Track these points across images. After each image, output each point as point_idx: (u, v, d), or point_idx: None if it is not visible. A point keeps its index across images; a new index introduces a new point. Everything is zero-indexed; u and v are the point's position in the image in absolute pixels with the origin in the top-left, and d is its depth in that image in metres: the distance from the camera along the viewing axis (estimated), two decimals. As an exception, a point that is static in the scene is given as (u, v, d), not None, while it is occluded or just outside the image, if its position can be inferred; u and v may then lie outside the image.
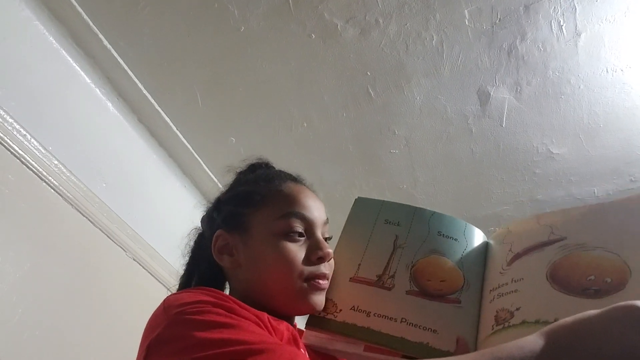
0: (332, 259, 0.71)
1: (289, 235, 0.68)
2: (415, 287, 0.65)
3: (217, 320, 0.52)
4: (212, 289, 0.60)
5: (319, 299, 0.67)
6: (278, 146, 1.77)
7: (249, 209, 0.72)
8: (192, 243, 0.81)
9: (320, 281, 0.68)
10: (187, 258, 0.80)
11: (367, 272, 0.69)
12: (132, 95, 1.57)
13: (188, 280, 0.78)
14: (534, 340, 0.41)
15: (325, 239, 0.73)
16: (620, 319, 0.39)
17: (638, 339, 0.38)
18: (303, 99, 1.60)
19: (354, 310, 0.65)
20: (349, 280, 0.69)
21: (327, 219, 0.75)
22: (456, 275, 0.65)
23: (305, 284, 0.67)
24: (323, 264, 0.69)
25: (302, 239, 0.69)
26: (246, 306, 0.58)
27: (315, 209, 0.72)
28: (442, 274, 0.66)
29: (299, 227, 0.69)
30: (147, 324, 0.58)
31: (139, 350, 0.57)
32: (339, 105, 1.61)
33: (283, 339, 0.59)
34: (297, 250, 0.68)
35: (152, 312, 0.59)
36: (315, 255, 0.68)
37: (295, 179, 0.77)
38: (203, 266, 0.76)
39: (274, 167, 0.81)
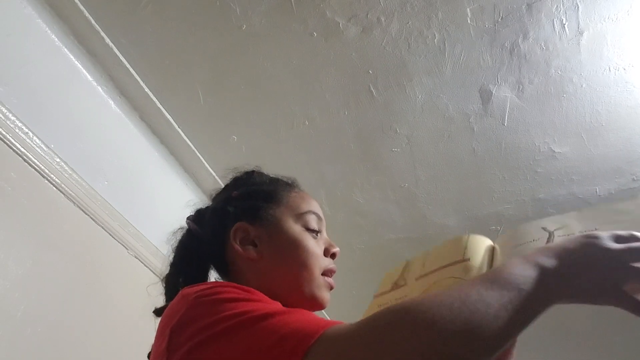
0: None
1: (310, 231, 0.75)
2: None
3: (234, 296, 0.54)
4: (224, 281, 0.64)
5: (328, 296, 0.74)
6: (279, 144, 1.77)
7: (272, 204, 0.76)
8: (183, 242, 0.80)
9: (332, 279, 0.75)
10: (177, 256, 0.79)
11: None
12: (134, 93, 1.57)
13: (177, 278, 0.76)
14: (525, 270, 0.48)
15: None
16: (582, 240, 0.51)
17: (593, 252, 0.50)
18: (305, 97, 1.60)
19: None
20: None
21: None
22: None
23: (322, 278, 0.73)
24: (333, 262, 0.77)
25: (318, 236, 0.76)
26: (259, 292, 0.60)
27: (322, 213, 0.80)
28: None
29: (316, 225, 0.76)
30: (165, 315, 0.59)
31: (159, 340, 0.57)
32: (341, 103, 1.61)
33: None
34: (317, 246, 0.75)
35: (169, 305, 0.61)
36: (330, 251, 0.76)
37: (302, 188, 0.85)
38: (203, 262, 0.77)
39: (292, 178, 0.88)
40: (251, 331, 0.48)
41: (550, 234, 0.62)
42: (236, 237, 0.73)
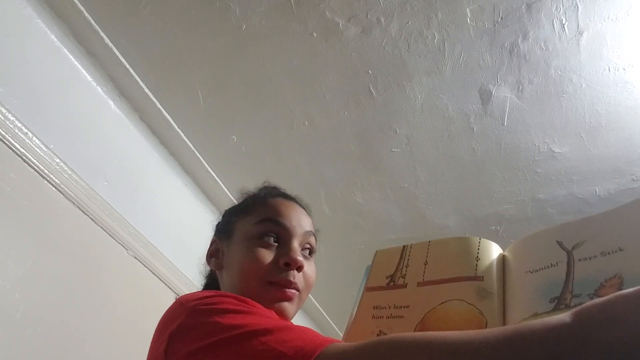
0: (308, 276, 0.72)
1: (262, 239, 0.71)
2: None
3: (235, 307, 0.55)
4: (223, 292, 0.64)
5: (284, 307, 0.67)
6: (279, 144, 1.77)
7: (237, 217, 0.77)
8: None
9: (286, 289, 0.68)
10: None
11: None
12: (134, 94, 1.57)
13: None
14: (560, 318, 0.39)
15: (308, 251, 0.74)
16: None
17: None
18: (304, 98, 1.60)
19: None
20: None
21: (312, 232, 0.76)
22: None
23: (268, 287, 0.68)
24: (291, 271, 0.69)
25: (276, 244, 0.71)
26: (255, 302, 0.60)
27: (296, 219, 0.74)
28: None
29: (273, 233, 0.71)
30: (161, 320, 0.61)
31: (154, 345, 0.59)
32: (341, 103, 1.61)
33: None
34: (266, 254, 0.69)
35: (166, 311, 0.62)
36: (282, 260, 0.69)
37: (287, 196, 0.80)
38: (211, 274, 0.83)
39: (277, 189, 0.83)
40: (249, 345, 0.48)
41: (569, 254, 0.53)
42: (208, 251, 0.78)
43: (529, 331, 0.39)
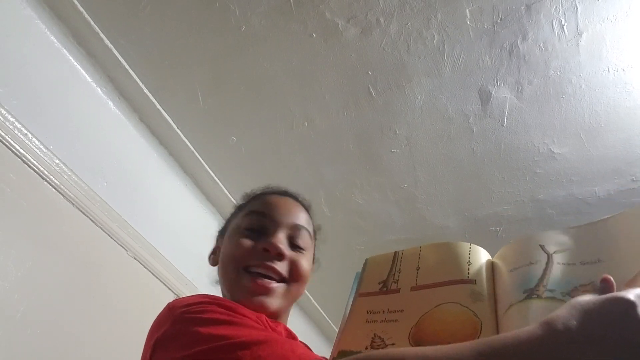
0: (296, 267, 0.70)
1: (247, 230, 0.71)
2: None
3: (219, 317, 0.55)
4: (212, 295, 0.63)
5: (261, 301, 0.65)
6: (279, 145, 1.77)
7: (233, 215, 0.79)
8: None
9: (260, 279, 0.66)
10: None
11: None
12: (133, 95, 1.57)
13: None
14: (531, 330, 0.40)
15: (297, 247, 0.72)
16: (612, 311, 0.38)
17: (626, 331, 0.37)
18: (304, 98, 1.60)
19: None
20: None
21: (304, 227, 0.74)
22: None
23: (243, 273, 0.67)
24: (270, 257, 0.68)
25: (256, 234, 0.71)
26: (244, 307, 0.60)
27: (285, 213, 0.73)
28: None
29: (259, 224, 0.71)
30: (152, 325, 0.61)
31: (145, 349, 0.60)
32: (340, 104, 1.62)
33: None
34: (247, 241, 0.69)
35: (157, 315, 0.62)
36: (261, 245, 0.68)
37: (284, 193, 0.80)
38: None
39: (278, 187, 0.84)
40: (225, 358, 0.48)
41: (549, 257, 0.55)
42: (212, 251, 0.80)
43: (501, 345, 0.40)
